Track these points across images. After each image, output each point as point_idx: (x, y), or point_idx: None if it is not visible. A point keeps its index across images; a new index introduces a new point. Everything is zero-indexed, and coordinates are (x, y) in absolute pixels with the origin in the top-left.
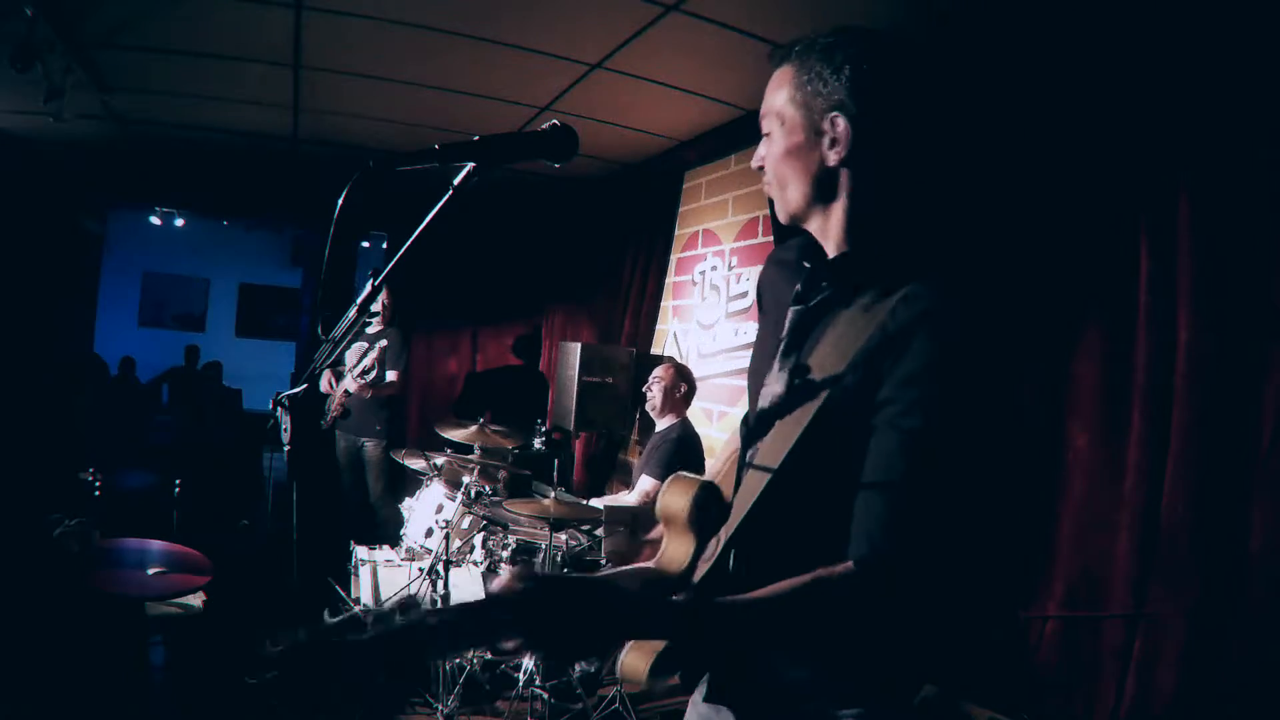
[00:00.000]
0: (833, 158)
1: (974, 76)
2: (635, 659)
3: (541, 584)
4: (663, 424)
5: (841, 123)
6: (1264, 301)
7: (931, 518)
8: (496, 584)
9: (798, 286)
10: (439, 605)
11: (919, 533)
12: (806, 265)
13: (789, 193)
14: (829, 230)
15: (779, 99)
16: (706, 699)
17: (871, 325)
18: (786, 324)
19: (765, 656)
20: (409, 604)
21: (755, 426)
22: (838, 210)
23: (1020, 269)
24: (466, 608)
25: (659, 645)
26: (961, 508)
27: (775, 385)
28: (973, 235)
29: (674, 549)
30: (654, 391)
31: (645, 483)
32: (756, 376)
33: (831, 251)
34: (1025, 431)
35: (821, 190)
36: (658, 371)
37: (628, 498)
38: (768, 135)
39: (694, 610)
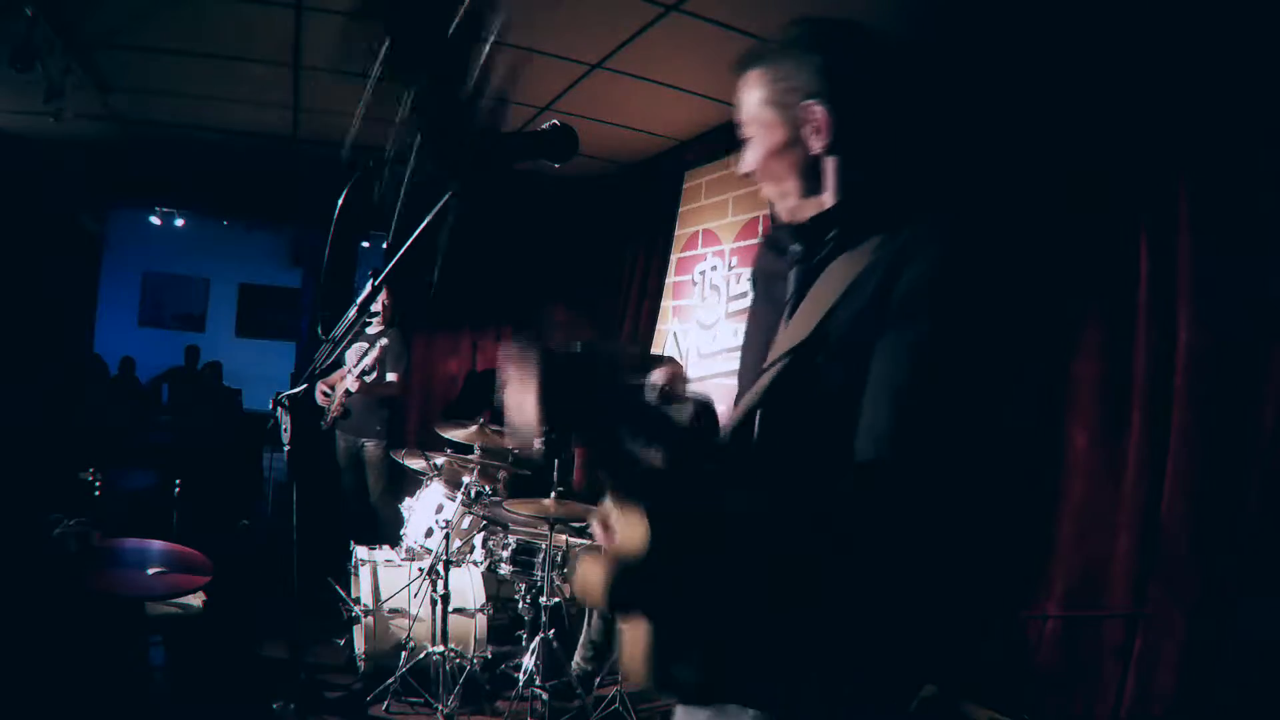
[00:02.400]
0: (817, 145)
1: (974, 76)
2: (590, 569)
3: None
4: None
5: (819, 109)
6: (1264, 301)
7: (937, 425)
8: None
9: (796, 247)
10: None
11: (925, 438)
12: (798, 247)
13: (784, 190)
14: None
15: (753, 102)
16: (701, 700)
17: (868, 258)
18: (790, 287)
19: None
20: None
21: (754, 361)
22: (828, 198)
23: (1021, 269)
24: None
25: (624, 552)
26: (966, 426)
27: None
28: (970, 198)
29: None
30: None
31: None
32: (748, 375)
33: None
34: (1025, 431)
35: (811, 180)
36: (667, 377)
37: None
38: (750, 140)
39: (698, 439)
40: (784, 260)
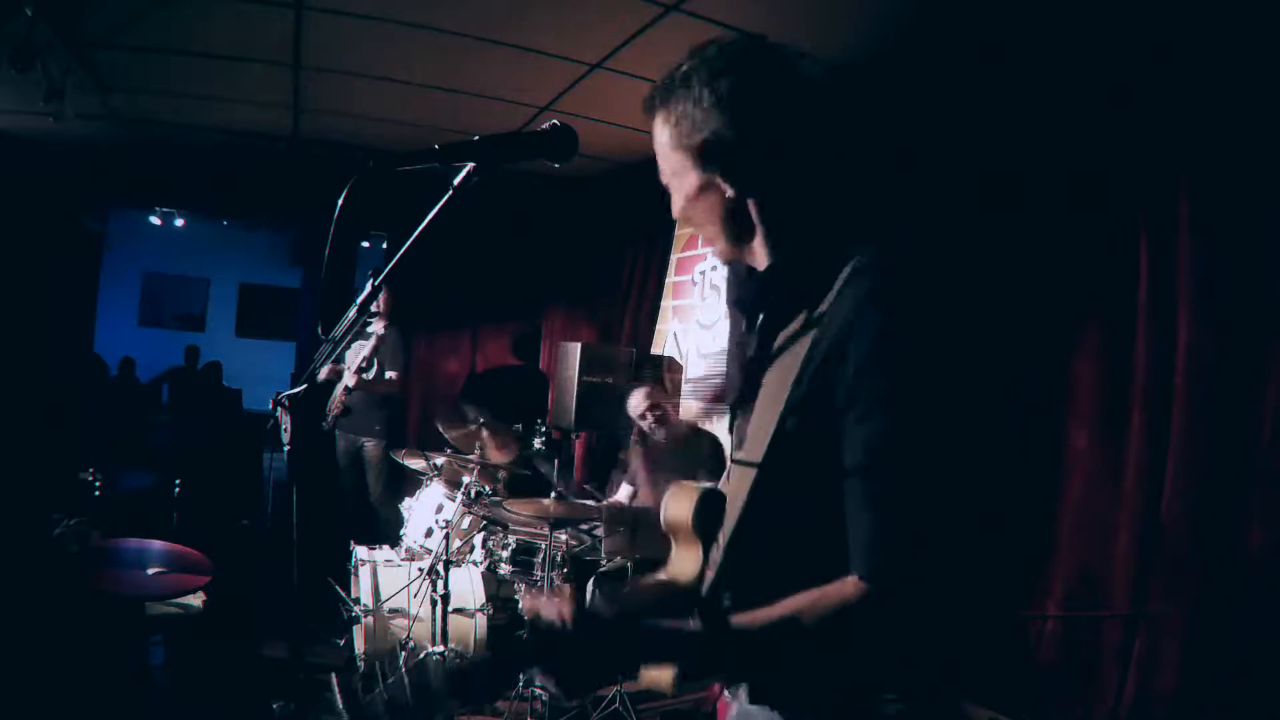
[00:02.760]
0: (728, 188)
1: (974, 76)
2: (658, 672)
3: (565, 630)
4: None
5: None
6: (1264, 301)
7: (923, 513)
8: (531, 609)
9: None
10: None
11: (915, 535)
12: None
13: (710, 236)
14: (760, 259)
15: (662, 148)
16: (752, 700)
17: (807, 343)
18: (752, 349)
19: (786, 673)
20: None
21: (736, 440)
22: (759, 245)
23: (1020, 270)
24: (492, 660)
25: None
26: (951, 490)
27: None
28: (923, 222)
29: (682, 559)
30: (655, 419)
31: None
32: (732, 388)
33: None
34: (1025, 431)
35: (735, 225)
36: (650, 400)
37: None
38: (669, 187)
39: (706, 640)
40: (742, 306)
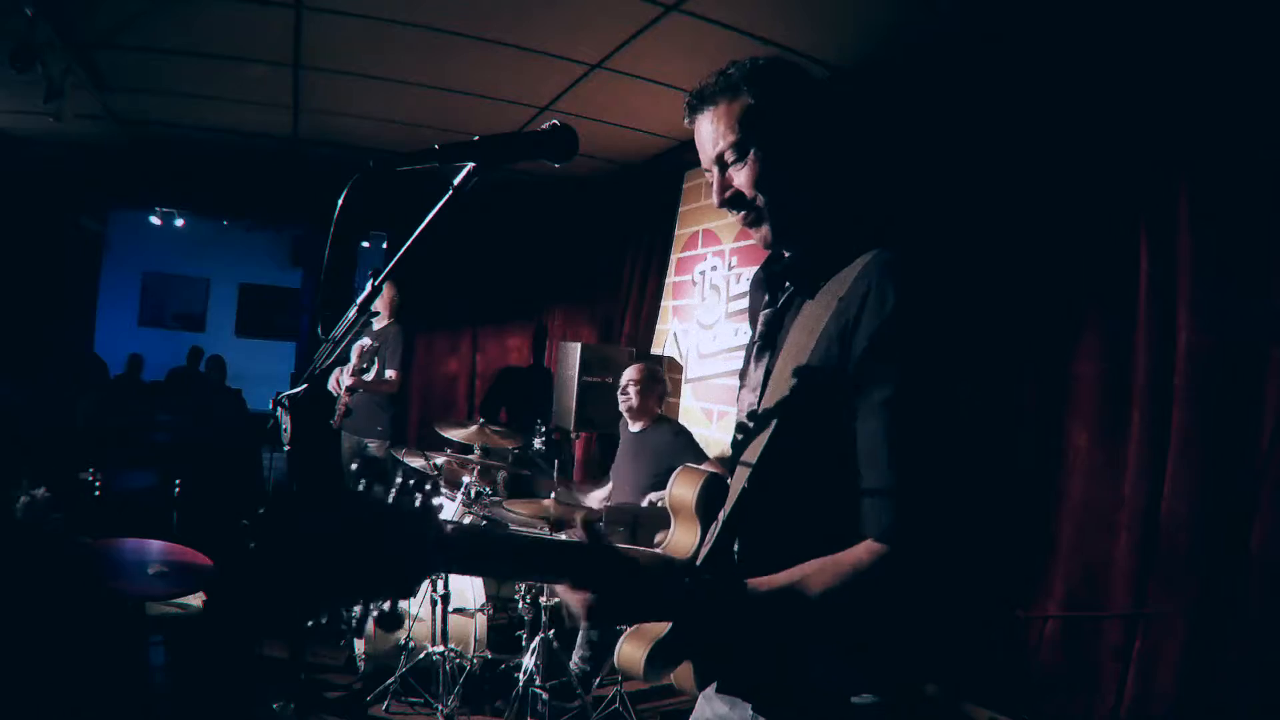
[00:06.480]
0: (750, 188)
1: (975, 76)
2: (632, 649)
3: (604, 550)
4: (647, 424)
5: (752, 152)
6: (1264, 301)
7: (938, 475)
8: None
9: (766, 295)
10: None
11: (932, 496)
12: (763, 275)
13: (743, 224)
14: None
15: (703, 145)
16: (720, 690)
17: (832, 305)
18: (759, 328)
19: (783, 646)
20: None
21: (745, 425)
22: (776, 240)
23: (1021, 269)
24: (540, 543)
25: (655, 634)
26: (958, 458)
27: (753, 386)
28: (925, 219)
29: (681, 536)
30: (632, 395)
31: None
32: (743, 381)
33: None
34: (1025, 431)
35: (758, 222)
36: (635, 374)
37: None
38: (737, 165)
39: (711, 593)
40: (761, 299)
